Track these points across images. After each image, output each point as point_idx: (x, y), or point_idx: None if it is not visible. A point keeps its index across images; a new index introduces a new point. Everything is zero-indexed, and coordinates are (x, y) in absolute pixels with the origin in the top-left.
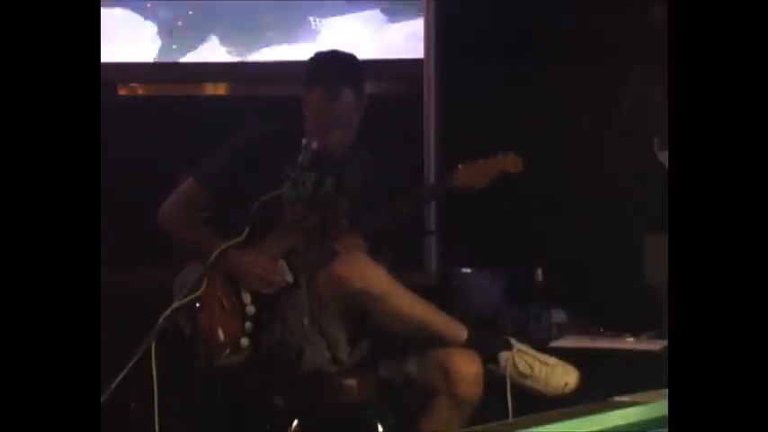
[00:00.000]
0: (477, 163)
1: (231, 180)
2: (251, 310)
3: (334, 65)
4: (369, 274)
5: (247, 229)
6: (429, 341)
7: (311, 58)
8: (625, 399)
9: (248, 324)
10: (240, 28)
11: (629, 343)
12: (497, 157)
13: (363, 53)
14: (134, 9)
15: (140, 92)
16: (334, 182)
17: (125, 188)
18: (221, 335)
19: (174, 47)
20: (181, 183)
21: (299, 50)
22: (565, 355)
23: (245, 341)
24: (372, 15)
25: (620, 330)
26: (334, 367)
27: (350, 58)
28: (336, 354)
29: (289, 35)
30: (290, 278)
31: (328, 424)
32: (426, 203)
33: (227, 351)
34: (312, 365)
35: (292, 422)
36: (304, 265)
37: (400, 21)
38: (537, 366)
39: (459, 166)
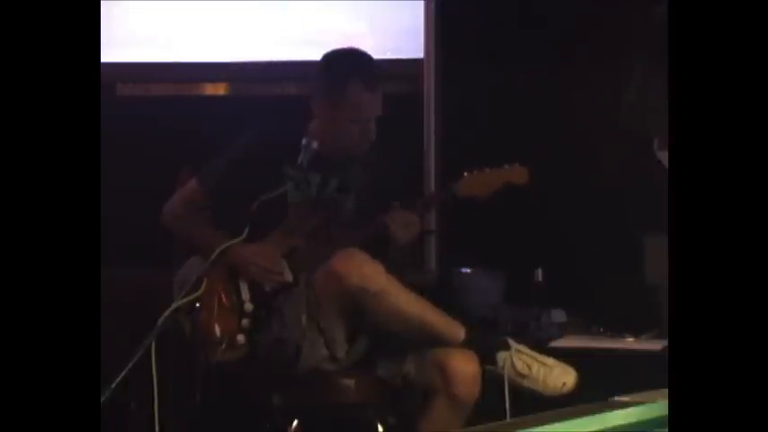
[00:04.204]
0: (483, 172)
1: (233, 182)
2: (248, 307)
3: (364, 60)
4: (366, 271)
5: (248, 229)
6: (427, 340)
7: (333, 56)
8: (625, 399)
9: (245, 321)
10: (240, 28)
11: (629, 343)
12: (503, 167)
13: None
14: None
15: (140, 92)
16: (336, 181)
17: (125, 188)
18: (218, 331)
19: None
20: (181, 183)
21: (298, 50)
22: (565, 355)
23: (241, 338)
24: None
25: (620, 330)
26: (332, 365)
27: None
28: (334, 352)
29: (288, 35)
30: (289, 277)
31: (328, 424)
32: (428, 212)
33: (223, 347)
34: (310, 363)
35: (292, 422)
36: (304, 265)
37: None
38: (535, 366)
39: (465, 175)
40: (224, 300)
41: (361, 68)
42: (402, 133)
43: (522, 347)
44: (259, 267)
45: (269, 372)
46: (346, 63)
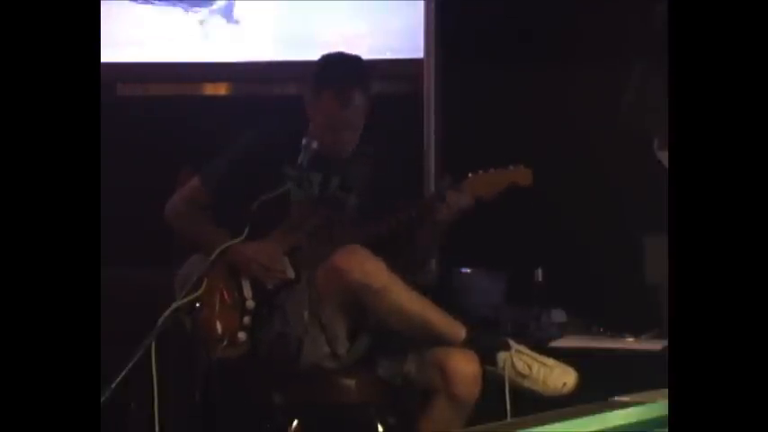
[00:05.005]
0: (488, 173)
1: (233, 182)
2: (250, 304)
3: (344, 68)
4: (368, 268)
5: (248, 229)
6: (427, 340)
7: (319, 61)
8: (625, 399)
9: (246, 318)
10: (240, 28)
11: (629, 343)
12: (508, 168)
13: (363, 52)
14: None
15: (140, 92)
16: (338, 180)
17: (125, 188)
18: (219, 328)
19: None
20: (181, 183)
21: (299, 50)
22: (565, 355)
23: (242, 335)
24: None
25: (620, 330)
26: (333, 363)
27: (358, 60)
28: (336, 349)
29: (288, 35)
30: (291, 274)
31: (328, 423)
32: (429, 213)
33: (224, 344)
34: (311, 359)
35: (292, 422)
36: (306, 263)
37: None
38: (535, 367)
39: (469, 176)
40: (226, 297)
41: (336, 79)
42: (402, 133)
43: (522, 348)
44: (260, 265)
45: (270, 369)
46: (323, 71)
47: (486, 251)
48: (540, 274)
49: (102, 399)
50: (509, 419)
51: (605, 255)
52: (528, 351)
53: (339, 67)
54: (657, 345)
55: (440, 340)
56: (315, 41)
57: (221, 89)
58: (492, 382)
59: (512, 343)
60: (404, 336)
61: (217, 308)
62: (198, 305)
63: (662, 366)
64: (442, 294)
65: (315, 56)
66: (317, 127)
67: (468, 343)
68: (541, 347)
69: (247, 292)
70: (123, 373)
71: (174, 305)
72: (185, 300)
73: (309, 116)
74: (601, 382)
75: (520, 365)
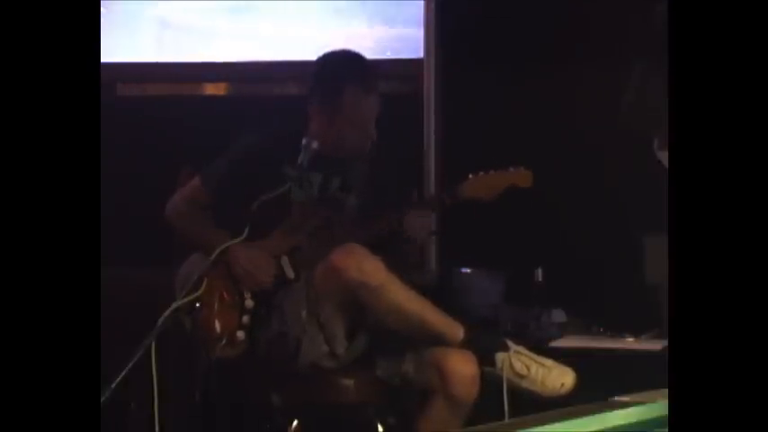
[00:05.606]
0: (488, 175)
1: (234, 182)
2: (249, 303)
3: (358, 63)
4: (366, 267)
5: (248, 229)
6: (425, 339)
7: (329, 60)
8: (625, 399)
9: (245, 317)
10: (240, 27)
11: (629, 343)
12: (508, 170)
13: (363, 52)
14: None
15: (140, 92)
16: (339, 181)
17: (125, 188)
18: (218, 327)
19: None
20: (181, 182)
21: (299, 50)
22: (564, 355)
23: (241, 334)
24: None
25: (620, 330)
26: (331, 362)
27: (363, 57)
28: (334, 348)
29: (288, 35)
30: (291, 274)
31: (328, 424)
32: (431, 212)
33: (223, 343)
34: (309, 358)
35: (292, 422)
36: (307, 263)
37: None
38: (533, 367)
39: (470, 177)
40: (225, 296)
41: (356, 73)
42: (402, 133)
43: (520, 348)
44: (249, 274)
45: (269, 369)
46: (341, 69)
47: (486, 251)
48: (539, 274)
49: (102, 399)
50: (507, 420)
51: (605, 255)
52: (526, 352)
53: (352, 62)
54: (657, 345)
55: (438, 340)
56: (315, 41)
57: (221, 89)
58: (490, 382)
59: (510, 343)
60: (402, 335)
61: (216, 307)
62: (198, 305)
63: (662, 366)
64: (442, 294)
65: (314, 56)
66: (329, 127)
67: (467, 343)
68: (541, 347)
69: (246, 291)
70: (123, 373)
71: (174, 305)
72: (185, 300)
73: (316, 118)
74: (601, 382)
75: (518, 366)
